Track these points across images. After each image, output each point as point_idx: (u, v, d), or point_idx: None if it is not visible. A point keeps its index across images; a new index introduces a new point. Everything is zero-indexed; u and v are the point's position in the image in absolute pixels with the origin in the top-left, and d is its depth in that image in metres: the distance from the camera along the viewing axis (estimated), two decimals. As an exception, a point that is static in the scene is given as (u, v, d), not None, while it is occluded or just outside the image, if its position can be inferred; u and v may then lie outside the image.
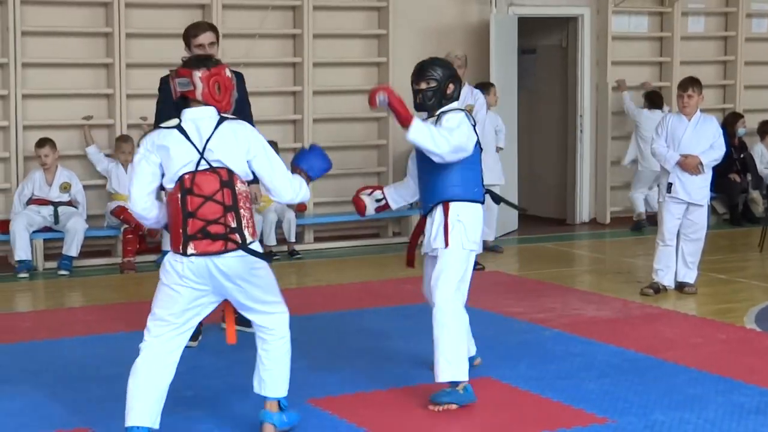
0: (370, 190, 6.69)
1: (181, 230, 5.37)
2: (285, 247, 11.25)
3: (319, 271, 10.68)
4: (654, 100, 13.12)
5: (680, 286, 9.30)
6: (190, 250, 5.36)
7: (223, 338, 7.68)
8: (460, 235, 6.14)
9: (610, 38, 13.50)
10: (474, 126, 6.23)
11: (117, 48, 11.16)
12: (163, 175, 5.38)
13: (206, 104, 5.38)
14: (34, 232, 10.57)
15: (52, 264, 10.58)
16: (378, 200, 6.63)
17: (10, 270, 10.54)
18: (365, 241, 12.18)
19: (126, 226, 10.73)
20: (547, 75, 14.10)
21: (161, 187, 5.45)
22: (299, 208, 11.32)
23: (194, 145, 5.31)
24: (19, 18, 10.83)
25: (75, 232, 10.51)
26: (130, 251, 10.69)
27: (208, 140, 5.32)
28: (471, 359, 6.42)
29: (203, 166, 5.31)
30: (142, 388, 5.41)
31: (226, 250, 5.29)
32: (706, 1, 14.26)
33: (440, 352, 6.03)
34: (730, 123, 13.42)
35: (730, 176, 13.28)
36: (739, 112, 13.94)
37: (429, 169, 6.19)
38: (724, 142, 9.27)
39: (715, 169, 9.40)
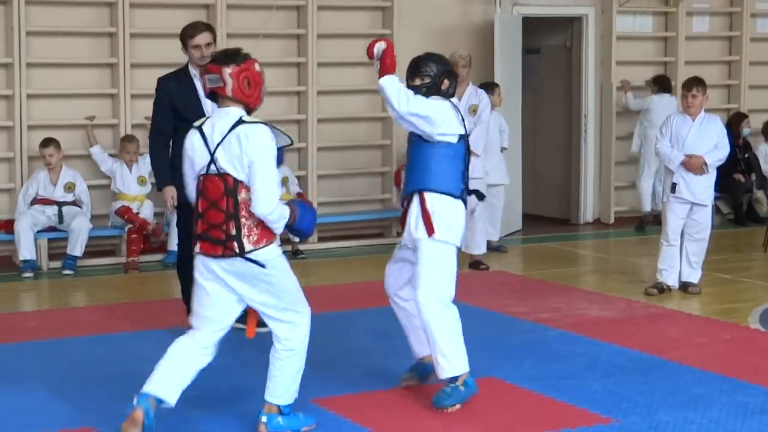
0: None
1: (194, 227, 5.50)
2: (289, 247, 11.25)
3: (323, 270, 10.68)
4: (664, 83, 13.14)
5: (684, 286, 9.29)
6: (196, 248, 5.48)
7: (227, 338, 7.71)
8: (440, 226, 6.04)
9: (615, 38, 13.49)
10: (463, 121, 6.17)
11: (121, 48, 11.17)
12: None
13: (236, 100, 5.42)
14: (38, 231, 10.58)
15: (57, 264, 10.59)
16: None
17: (15, 269, 10.55)
18: (369, 240, 12.17)
19: (130, 225, 10.73)
20: (551, 75, 14.10)
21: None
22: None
23: (208, 149, 5.40)
24: (23, 18, 10.84)
25: (79, 231, 10.52)
26: (135, 251, 10.70)
27: (217, 146, 5.38)
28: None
29: (213, 170, 5.39)
30: (169, 362, 5.54)
31: (224, 256, 5.38)
32: (711, 1, 14.25)
33: (437, 351, 6.00)
34: (734, 123, 13.41)
35: (735, 176, 13.27)
36: (744, 112, 13.92)
37: (409, 157, 6.21)
38: (729, 142, 9.26)
39: (720, 169, 9.40)
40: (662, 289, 9.22)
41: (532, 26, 13.38)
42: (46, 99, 11.14)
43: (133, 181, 10.93)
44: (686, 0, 13.82)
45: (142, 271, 10.62)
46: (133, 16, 11.27)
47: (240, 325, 7.87)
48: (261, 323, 7.77)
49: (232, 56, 5.46)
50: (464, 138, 6.18)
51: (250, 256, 5.37)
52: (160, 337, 7.69)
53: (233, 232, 5.36)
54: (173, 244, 10.22)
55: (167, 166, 7.50)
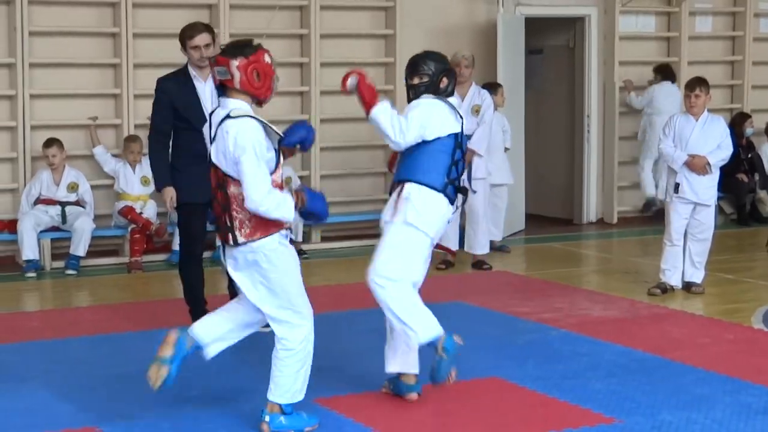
0: None
1: None
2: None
3: (327, 270, 10.68)
4: (666, 72, 13.18)
5: (687, 286, 9.29)
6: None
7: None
8: (409, 210, 5.99)
9: (618, 38, 13.49)
10: (459, 115, 6.15)
11: (124, 48, 11.18)
12: None
13: (244, 92, 5.42)
14: (41, 231, 10.59)
15: (60, 263, 10.60)
16: None
17: (18, 269, 10.56)
18: (372, 240, 12.02)
19: (133, 225, 10.74)
20: (554, 75, 14.09)
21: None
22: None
23: (210, 141, 5.50)
24: (26, 18, 10.84)
25: (82, 231, 10.53)
26: (138, 251, 10.71)
27: (212, 139, 5.47)
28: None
29: (211, 161, 5.50)
30: (224, 313, 5.65)
31: (226, 243, 5.52)
32: (714, 1, 14.24)
33: (405, 325, 5.89)
34: (737, 123, 13.41)
35: (738, 176, 13.27)
36: (747, 112, 13.91)
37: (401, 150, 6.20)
38: (732, 142, 9.26)
39: (723, 169, 9.40)
40: (665, 289, 9.22)
41: (535, 26, 13.38)
42: (49, 99, 11.14)
43: (136, 181, 10.93)
44: (689, 0, 13.81)
45: (145, 271, 10.62)
46: (136, 16, 11.27)
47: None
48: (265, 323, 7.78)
49: (241, 48, 5.45)
50: (457, 135, 6.13)
51: (242, 248, 5.42)
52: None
53: (228, 223, 5.44)
54: (177, 244, 10.22)
55: (167, 167, 7.50)
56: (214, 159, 5.46)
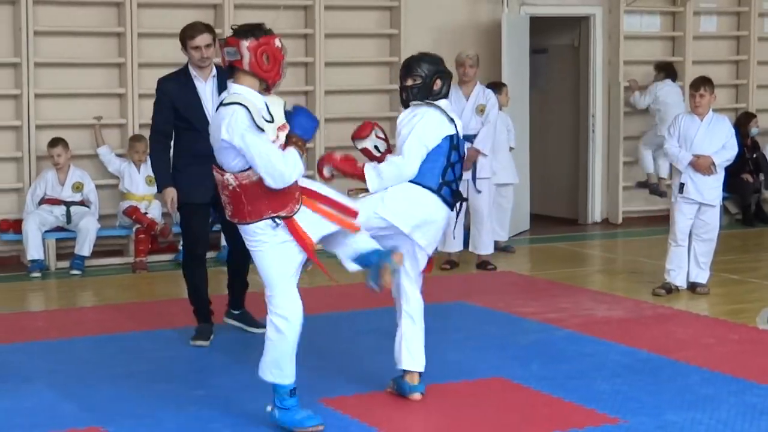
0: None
1: None
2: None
3: (331, 270, 10.63)
4: (669, 70, 13.20)
5: (692, 287, 9.28)
6: None
7: (234, 338, 7.73)
8: (379, 199, 6.00)
9: (622, 38, 13.47)
10: (451, 118, 6.12)
11: (129, 48, 11.19)
12: None
13: (254, 75, 5.43)
14: (46, 231, 10.59)
15: (65, 263, 10.60)
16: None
17: (23, 269, 10.56)
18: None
19: (138, 225, 10.75)
20: (558, 75, 14.08)
21: None
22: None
23: None
24: (31, 18, 10.85)
25: (87, 231, 10.53)
26: (143, 251, 10.71)
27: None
28: None
29: None
30: None
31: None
32: (719, 1, 14.22)
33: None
34: (742, 123, 13.39)
35: (743, 176, 13.25)
36: (752, 112, 13.90)
37: None
38: (737, 142, 9.25)
39: (728, 169, 9.38)
40: (670, 290, 9.21)
41: (540, 26, 13.36)
42: (53, 99, 11.15)
43: (141, 181, 10.94)
44: (694, 0, 13.81)
45: (150, 271, 10.63)
46: (140, 15, 11.28)
47: (240, 325, 7.92)
48: (255, 324, 7.84)
49: (252, 30, 5.46)
50: (452, 137, 6.10)
51: (241, 228, 5.57)
52: (168, 337, 7.74)
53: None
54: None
55: (168, 168, 7.49)
56: (211, 141, 5.54)
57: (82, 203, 10.78)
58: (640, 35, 13.79)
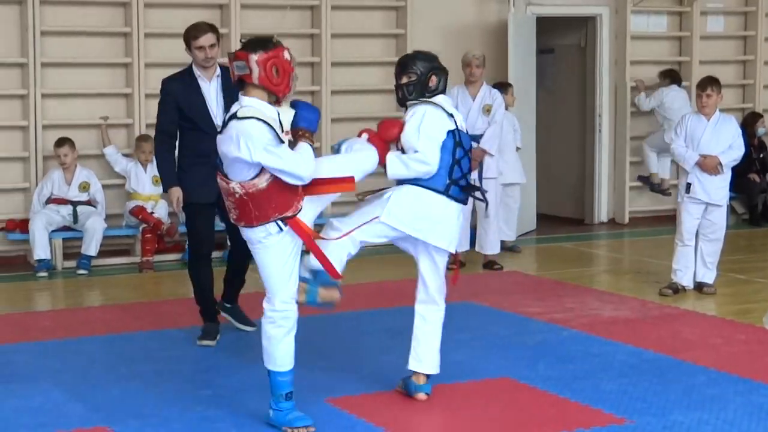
0: None
1: None
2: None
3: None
4: (674, 76, 13.21)
5: (699, 287, 9.27)
6: None
7: (241, 338, 7.74)
8: (381, 206, 6.03)
9: (629, 38, 13.47)
10: (450, 114, 6.10)
11: (136, 48, 11.20)
12: None
13: (263, 88, 5.43)
14: (53, 231, 10.61)
15: (71, 263, 10.62)
16: None
17: (30, 269, 10.58)
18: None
19: (144, 225, 10.76)
20: (565, 75, 14.08)
21: None
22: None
23: None
24: (38, 18, 10.87)
25: (94, 231, 10.55)
26: (149, 250, 10.72)
27: (219, 132, 5.57)
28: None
29: None
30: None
31: None
32: (725, 1, 14.21)
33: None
34: (749, 123, 13.39)
35: (750, 176, 13.24)
36: (759, 112, 13.89)
37: None
38: (744, 142, 9.24)
39: (735, 169, 9.37)
40: (677, 290, 9.20)
41: (546, 26, 13.36)
42: (60, 98, 11.17)
43: (147, 181, 10.95)
44: (701, -1, 13.81)
45: (156, 270, 10.64)
46: (147, 15, 11.29)
47: (229, 319, 7.92)
48: (245, 321, 7.86)
49: (261, 43, 5.45)
50: (453, 133, 6.06)
51: (244, 230, 5.60)
52: (175, 337, 7.74)
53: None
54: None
55: (173, 168, 7.48)
56: (219, 150, 5.51)
57: (88, 203, 10.79)
58: (646, 35, 13.78)
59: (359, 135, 6.09)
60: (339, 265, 5.92)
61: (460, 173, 6.09)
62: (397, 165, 5.98)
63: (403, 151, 6.05)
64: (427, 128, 6.00)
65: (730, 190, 9.37)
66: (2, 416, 5.94)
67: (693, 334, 7.89)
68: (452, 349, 6.94)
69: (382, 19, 12.48)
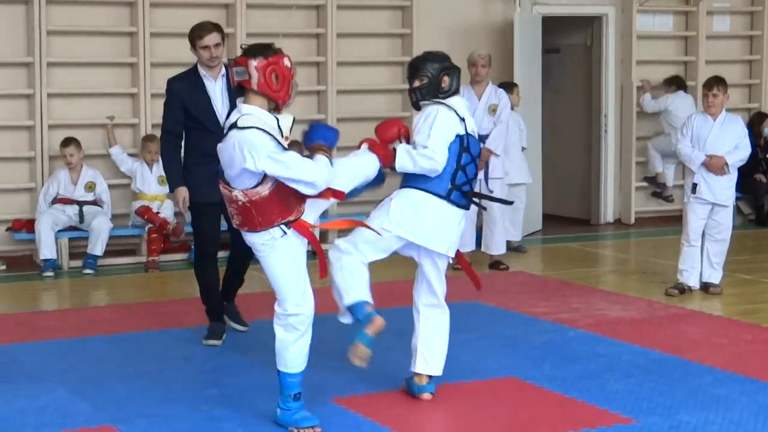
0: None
1: None
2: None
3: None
4: (679, 83, 13.23)
5: (705, 287, 9.26)
6: None
7: (247, 337, 7.74)
8: (385, 213, 6.07)
9: (635, 37, 13.45)
10: (461, 117, 6.08)
11: (141, 47, 11.21)
12: None
13: (262, 94, 5.42)
14: (59, 231, 10.62)
15: (77, 263, 10.63)
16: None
17: (36, 269, 10.59)
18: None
19: (150, 225, 10.76)
20: (571, 74, 14.06)
21: None
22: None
23: None
24: (44, 17, 10.88)
25: (100, 231, 10.56)
26: (155, 250, 10.73)
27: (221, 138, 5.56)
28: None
29: None
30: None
31: None
32: (732, 0, 14.19)
33: (338, 293, 5.97)
34: (755, 123, 13.37)
35: (756, 176, 13.22)
36: (765, 112, 13.86)
37: None
38: (750, 143, 9.23)
39: (741, 169, 9.36)
40: (683, 290, 9.19)
41: (552, 25, 13.35)
42: (66, 98, 11.18)
43: (153, 181, 10.96)
44: (707, -1, 13.79)
45: (162, 270, 10.64)
46: (153, 15, 11.30)
47: (234, 325, 7.92)
48: (240, 321, 7.87)
49: (261, 49, 5.45)
50: (462, 138, 6.04)
51: (248, 235, 5.58)
52: (181, 336, 7.75)
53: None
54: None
55: (179, 167, 7.49)
56: (219, 157, 5.53)
57: (94, 203, 10.80)
58: (652, 35, 13.76)
59: (359, 146, 6.06)
60: (364, 291, 5.99)
61: (464, 179, 6.07)
62: (405, 157, 5.97)
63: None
64: (437, 126, 5.99)
65: (737, 190, 9.36)
66: (9, 415, 5.95)
67: (699, 334, 7.88)
68: (458, 348, 6.93)
69: (387, 18, 12.48)
